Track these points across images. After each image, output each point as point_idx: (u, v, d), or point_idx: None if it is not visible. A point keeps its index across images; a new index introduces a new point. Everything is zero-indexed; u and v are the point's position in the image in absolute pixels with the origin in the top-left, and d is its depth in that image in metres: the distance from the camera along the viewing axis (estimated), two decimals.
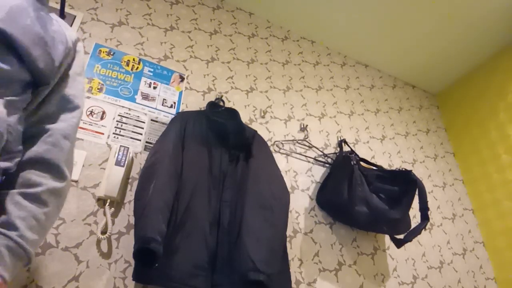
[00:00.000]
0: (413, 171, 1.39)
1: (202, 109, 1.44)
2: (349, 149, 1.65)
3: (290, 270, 1.18)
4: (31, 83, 0.63)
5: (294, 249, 1.33)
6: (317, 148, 1.64)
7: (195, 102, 1.47)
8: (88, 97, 1.25)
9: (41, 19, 0.65)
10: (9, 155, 0.59)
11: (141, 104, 1.34)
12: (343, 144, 1.69)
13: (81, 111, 0.74)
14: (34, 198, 0.60)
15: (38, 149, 0.63)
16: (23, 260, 0.57)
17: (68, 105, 0.71)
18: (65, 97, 0.70)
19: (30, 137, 0.64)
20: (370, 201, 1.35)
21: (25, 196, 0.59)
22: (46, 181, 0.62)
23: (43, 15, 0.66)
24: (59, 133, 0.67)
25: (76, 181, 1.09)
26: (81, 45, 0.78)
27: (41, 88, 0.66)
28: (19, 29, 0.59)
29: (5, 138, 0.56)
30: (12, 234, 0.55)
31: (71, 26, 1.33)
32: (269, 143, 1.49)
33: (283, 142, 1.57)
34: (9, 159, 0.59)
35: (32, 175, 0.61)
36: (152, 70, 1.44)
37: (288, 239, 1.32)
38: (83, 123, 1.19)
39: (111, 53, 1.39)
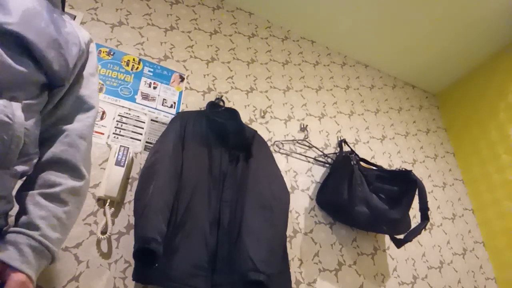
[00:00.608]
0: (413, 171, 1.39)
1: (202, 109, 1.44)
2: (349, 149, 1.65)
3: (290, 270, 1.18)
4: (47, 85, 0.65)
5: (294, 249, 1.33)
6: (317, 148, 1.64)
7: (195, 102, 1.47)
8: None
9: (55, 21, 0.66)
10: (26, 158, 0.60)
11: (141, 104, 1.34)
12: (343, 144, 1.69)
13: (96, 111, 0.75)
14: (54, 198, 0.61)
15: (55, 149, 0.65)
16: (47, 259, 0.58)
17: (83, 106, 0.72)
18: (80, 98, 0.72)
19: (47, 139, 0.65)
20: (370, 201, 1.35)
21: (45, 196, 0.60)
22: (65, 181, 0.63)
23: (56, 17, 0.67)
24: (75, 133, 0.68)
25: None
26: (93, 46, 0.79)
27: (56, 90, 0.67)
28: (34, 32, 0.60)
29: (22, 142, 0.57)
30: (34, 233, 0.56)
31: None
32: (269, 143, 1.49)
33: (283, 142, 1.57)
34: (26, 162, 0.60)
35: (50, 175, 0.62)
36: (152, 70, 1.44)
37: (288, 239, 1.32)
38: None
39: (111, 53, 1.39)
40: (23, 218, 0.57)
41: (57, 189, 0.62)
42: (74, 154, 0.66)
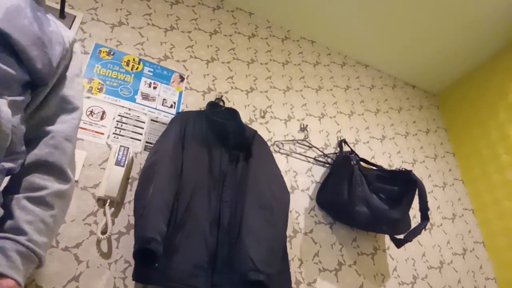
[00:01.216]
0: (413, 171, 1.39)
1: (202, 109, 1.44)
2: (349, 149, 1.65)
3: (290, 270, 1.18)
4: (30, 84, 0.63)
5: (294, 249, 1.33)
6: (317, 148, 1.64)
7: (195, 102, 1.47)
8: (88, 97, 1.25)
9: (39, 19, 0.65)
10: (13, 156, 0.59)
11: (141, 104, 1.34)
12: (343, 144, 1.69)
13: (80, 111, 0.74)
14: (40, 202, 0.60)
15: (40, 152, 0.64)
16: (34, 263, 0.58)
17: (67, 106, 0.71)
18: (64, 98, 0.71)
19: (31, 140, 0.64)
20: (370, 201, 1.35)
21: (31, 200, 0.59)
22: (51, 184, 0.63)
23: (40, 16, 0.66)
24: (61, 136, 0.67)
25: (76, 181, 1.09)
26: (78, 46, 0.78)
27: (39, 89, 0.66)
28: (17, 29, 0.59)
29: (10, 139, 0.56)
30: (21, 238, 0.55)
31: (71, 26, 1.33)
32: (269, 143, 1.49)
33: (283, 142, 1.57)
34: (13, 160, 0.59)
35: (36, 178, 0.62)
36: (152, 70, 1.44)
37: (288, 239, 1.32)
38: (83, 123, 1.18)
39: (111, 53, 1.39)
40: (10, 223, 0.56)
41: (43, 192, 0.61)
42: (60, 156, 0.65)
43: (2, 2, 0.59)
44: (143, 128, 1.30)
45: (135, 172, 1.19)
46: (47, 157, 0.64)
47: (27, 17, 0.62)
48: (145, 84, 1.40)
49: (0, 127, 0.53)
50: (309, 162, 1.60)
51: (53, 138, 0.66)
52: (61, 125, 0.68)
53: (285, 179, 1.30)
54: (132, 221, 1.09)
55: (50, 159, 0.64)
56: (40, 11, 0.68)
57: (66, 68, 0.73)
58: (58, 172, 0.65)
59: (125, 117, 1.28)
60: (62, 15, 1.23)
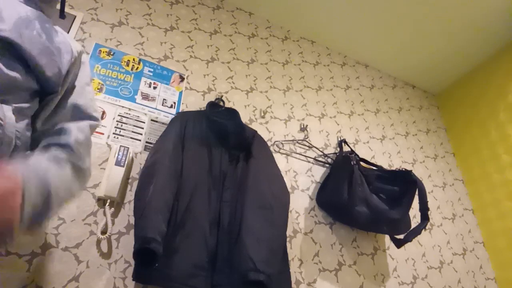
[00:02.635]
0: (413, 171, 1.39)
1: (202, 109, 1.44)
2: (349, 149, 1.65)
3: (290, 270, 1.18)
4: (39, 92, 0.65)
5: (294, 249, 1.33)
6: (317, 148, 1.64)
7: (195, 102, 1.47)
8: None
9: (47, 31, 0.67)
10: None
11: (141, 104, 1.34)
12: (343, 144, 1.69)
13: (93, 120, 0.74)
14: (57, 161, 0.62)
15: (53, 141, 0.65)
16: (43, 197, 0.55)
17: (79, 115, 0.72)
18: (75, 107, 0.72)
19: (44, 146, 0.65)
20: (370, 201, 1.35)
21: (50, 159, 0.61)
22: (68, 157, 0.64)
23: (48, 27, 0.69)
24: (74, 139, 0.68)
25: None
26: (86, 57, 0.81)
27: (50, 97, 0.67)
28: (26, 39, 0.61)
29: (13, 143, 0.57)
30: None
31: (71, 26, 1.33)
32: (269, 143, 1.49)
33: (283, 142, 1.57)
34: None
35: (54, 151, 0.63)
36: (152, 70, 1.44)
37: (288, 239, 1.32)
38: None
39: (111, 53, 1.39)
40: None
41: (62, 155, 0.62)
42: (75, 159, 0.66)
43: (12, 14, 0.61)
44: (143, 128, 1.30)
45: (135, 172, 1.19)
46: (64, 141, 0.65)
47: (35, 28, 0.64)
48: (145, 84, 1.40)
49: (4, 131, 0.55)
50: (309, 162, 1.60)
51: (66, 146, 0.67)
52: (73, 133, 0.69)
53: (285, 179, 1.30)
54: (132, 221, 1.09)
55: (66, 142, 0.65)
56: (48, 23, 0.70)
57: (75, 77, 0.75)
58: (74, 156, 0.66)
59: (125, 117, 1.28)
60: (62, 15, 1.23)
